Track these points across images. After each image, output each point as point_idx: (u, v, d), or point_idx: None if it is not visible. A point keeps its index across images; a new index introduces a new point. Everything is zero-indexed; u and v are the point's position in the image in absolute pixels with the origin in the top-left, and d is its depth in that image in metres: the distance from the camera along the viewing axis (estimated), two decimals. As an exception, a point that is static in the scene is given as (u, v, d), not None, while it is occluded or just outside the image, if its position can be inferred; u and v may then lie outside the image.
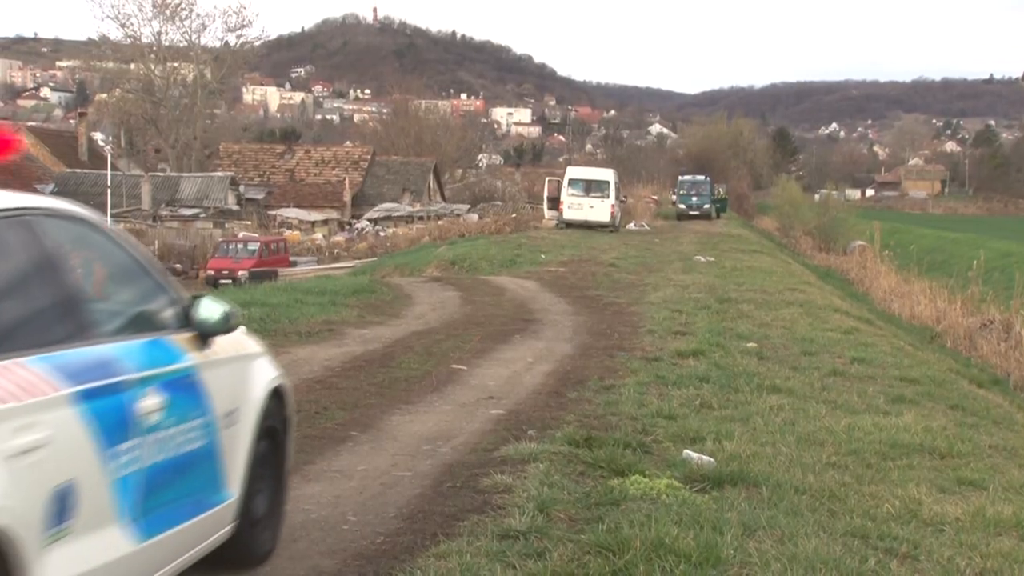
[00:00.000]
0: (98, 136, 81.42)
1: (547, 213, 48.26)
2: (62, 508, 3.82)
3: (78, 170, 62.27)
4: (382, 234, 54.58)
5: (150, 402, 4.46)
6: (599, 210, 44.17)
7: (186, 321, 5.04)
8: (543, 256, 29.90)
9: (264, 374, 5.76)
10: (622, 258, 29.90)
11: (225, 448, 5.18)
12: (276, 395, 5.80)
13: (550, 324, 16.19)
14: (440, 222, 51.67)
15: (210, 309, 5.06)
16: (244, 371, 5.55)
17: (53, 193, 56.33)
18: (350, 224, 61.95)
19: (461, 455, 7.95)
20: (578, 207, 44.31)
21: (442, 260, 28.42)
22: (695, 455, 7.89)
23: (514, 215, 52.10)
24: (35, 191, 56.07)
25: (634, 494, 6.81)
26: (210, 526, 5.02)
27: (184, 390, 4.81)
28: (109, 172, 51.37)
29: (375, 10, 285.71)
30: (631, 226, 49.58)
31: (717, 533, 5.96)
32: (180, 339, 4.96)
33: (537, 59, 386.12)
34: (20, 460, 3.60)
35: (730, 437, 8.57)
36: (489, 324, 15.70)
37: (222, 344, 5.24)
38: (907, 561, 6.08)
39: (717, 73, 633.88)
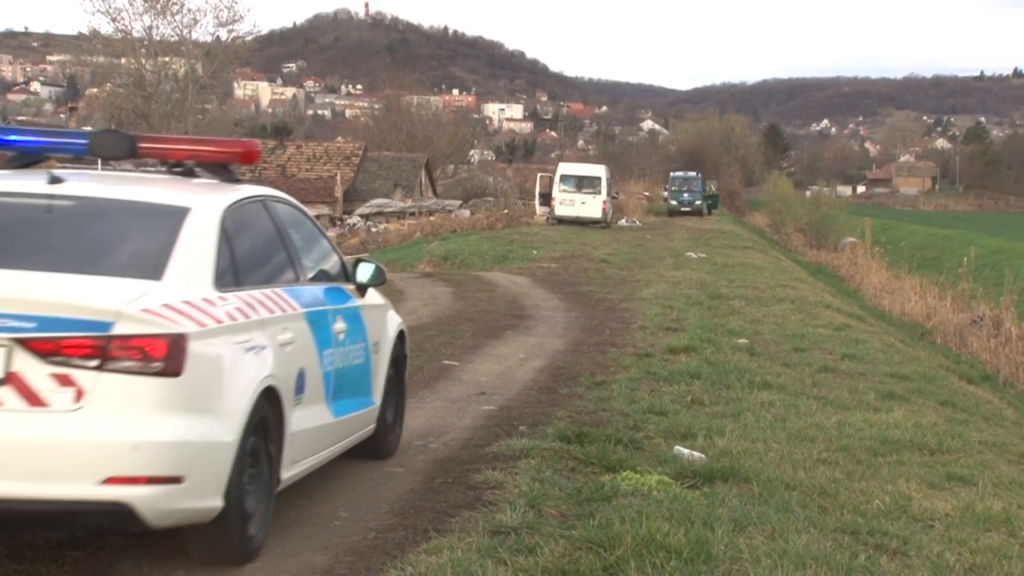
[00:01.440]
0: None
1: (539, 209, 48.23)
2: (300, 384, 5.99)
3: (68, 164, 62.01)
4: (374, 230, 54.49)
5: (339, 326, 6.68)
6: (591, 206, 44.18)
7: (347, 276, 7.26)
8: (535, 252, 29.91)
9: (394, 320, 8.01)
10: (614, 254, 29.92)
11: (373, 368, 7.37)
12: (400, 336, 8.01)
13: (542, 320, 16.20)
14: (432, 218, 51.55)
15: (367, 269, 7.34)
16: (383, 316, 7.76)
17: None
18: (342, 219, 61.81)
19: (452, 451, 7.96)
20: (570, 203, 44.30)
21: (434, 256, 28.41)
22: (686, 451, 7.91)
23: (506, 211, 52.02)
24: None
25: (625, 490, 6.82)
26: (365, 420, 7.24)
27: (354, 321, 6.99)
28: (100, 167, 51.12)
29: (367, 5, 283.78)
30: (623, 222, 49.60)
31: (708, 529, 5.97)
32: (348, 288, 7.20)
33: (529, 55, 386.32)
34: (282, 349, 5.77)
35: (721, 433, 8.59)
36: (481, 320, 15.70)
37: (371, 295, 7.49)
38: (897, 557, 6.11)
39: (709, 69, 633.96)
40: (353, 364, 6.91)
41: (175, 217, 5.63)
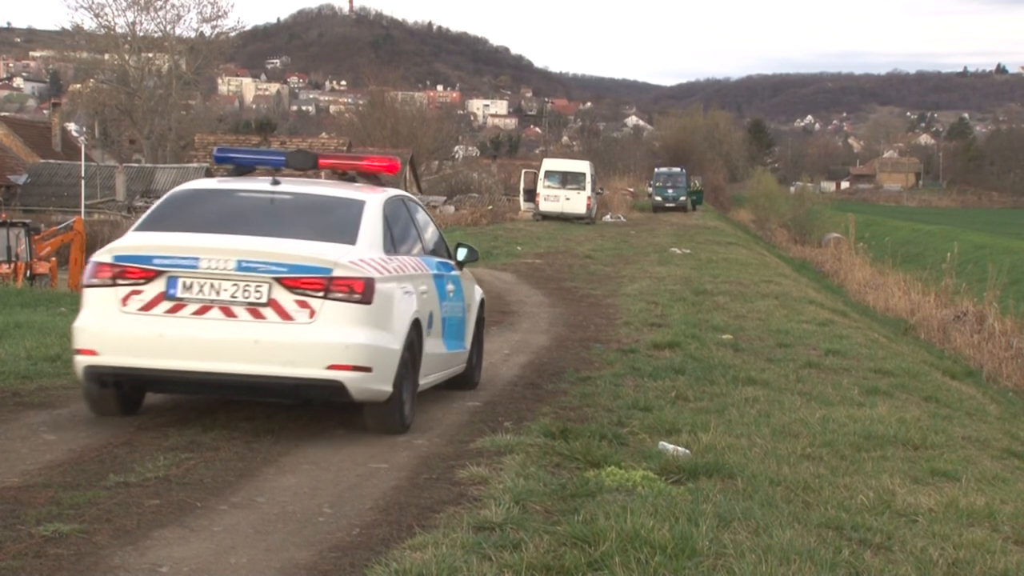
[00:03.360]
0: (72, 127, 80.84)
1: (523, 205, 48.29)
2: (429, 322, 8.81)
3: (52, 161, 61.58)
4: (358, 226, 54.30)
5: (449, 287, 9.56)
6: (575, 202, 44.25)
7: (449, 254, 10.04)
8: (519, 248, 29.91)
9: (479, 290, 10.81)
10: (598, 250, 29.94)
11: (467, 321, 10.14)
12: (481, 303, 10.75)
13: (526, 316, 16.21)
14: (416, 214, 51.54)
15: (463, 251, 10.21)
16: (472, 285, 10.54)
17: (27, 183, 55.87)
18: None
19: (437, 447, 7.96)
20: (554, 199, 44.38)
21: (418, 252, 28.37)
22: (670, 447, 7.91)
23: (490, 207, 52.07)
24: (8, 181, 55.59)
25: (610, 486, 6.82)
26: (460, 359, 9.97)
27: (457, 285, 9.83)
28: (83, 163, 50.84)
29: (351, 1, 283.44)
30: (607, 218, 49.69)
31: (692, 524, 5.98)
32: (451, 262, 9.96)
33: (514, 51, 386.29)
34: (422, 296, 8.65)
35: (705, 429, 8.60)
36: (465, 316, 15.68)
37: (464, 270, 10.23)
38: (881, 552, 6.12)
39: (693, 65, 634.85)
40: (456, 315, 9.71)
41: (357, 206, 8.50)
